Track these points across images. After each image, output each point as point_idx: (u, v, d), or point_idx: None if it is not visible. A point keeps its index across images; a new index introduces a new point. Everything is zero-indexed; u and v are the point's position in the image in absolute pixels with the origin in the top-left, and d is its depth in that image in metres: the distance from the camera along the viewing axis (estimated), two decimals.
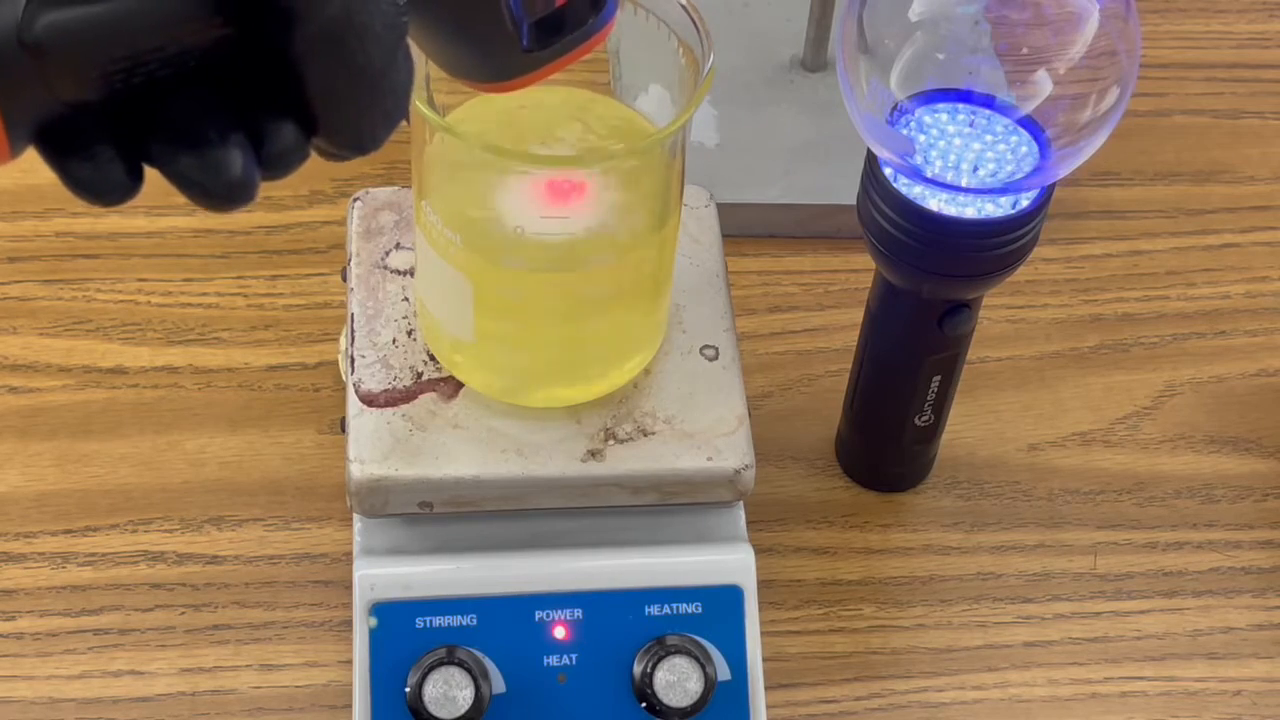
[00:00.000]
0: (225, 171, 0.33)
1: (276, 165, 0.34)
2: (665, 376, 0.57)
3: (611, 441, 0.55)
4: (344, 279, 0.61)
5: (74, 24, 0.31)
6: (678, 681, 0.55)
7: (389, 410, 0.55)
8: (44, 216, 0.76)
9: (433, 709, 0.53)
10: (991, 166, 0.56)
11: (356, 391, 0.55)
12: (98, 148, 0.33)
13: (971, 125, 0.56)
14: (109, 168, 0.33)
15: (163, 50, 0.32)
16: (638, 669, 0.55)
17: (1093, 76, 0.55)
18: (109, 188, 0.34)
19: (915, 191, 0.56)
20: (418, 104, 0.48)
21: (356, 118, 0.34)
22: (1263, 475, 0.71)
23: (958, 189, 0.55)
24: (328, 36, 0.32)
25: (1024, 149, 0.56)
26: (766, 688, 0.57)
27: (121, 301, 0.73)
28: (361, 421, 0.55)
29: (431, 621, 0.55)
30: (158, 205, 0.76)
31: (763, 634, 0.59)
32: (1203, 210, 0.82)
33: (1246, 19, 0.92)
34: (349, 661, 0.57)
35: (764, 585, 0.62)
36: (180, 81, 0.33)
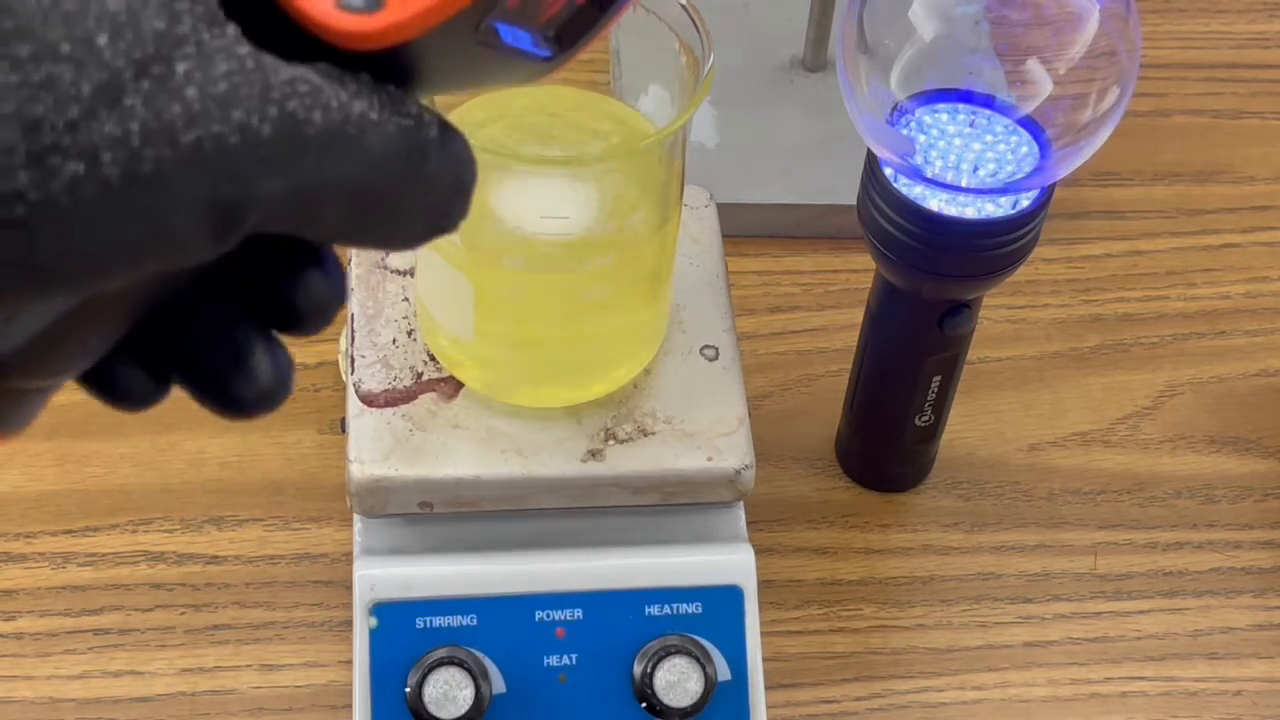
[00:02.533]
0: (256, 379, 0.31)
1: (314, 323, 0.31)
2: (665, 376, 0.57)
3: (612, 441, 0.55)
4: None
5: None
6: (678, 682, 0.55)
7: (389, 410, 0.55)
8: None
9: (433, 709, 0.53)
10: (992, 166, 0.56)
11: (357, 391, 0.55)
12: (117, 369, 0.31)
13: (972, 125, 0.56)
14: (132, 384, 0.31)
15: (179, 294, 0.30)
16: (638, 669, 0.55)
17: (1093, 76, 0.55)
18: (136, 402, 0.31)
19: (915, 192, 0.56)
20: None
21: (393, 243, 0.32)
22: (1263, 475, 0.71)
23: (958, 189, 0.55)
24: (347, 237, 0.30)
25: (1024, 149, 0.56)
26: (767, 688, 0.57)
27: None
28: (362, 421, 0.55)
29: (432, 621, 0.55)
30: None
31: (763, 634, 0.59)
32: (1203, 210, 0.82)
33: (1246, 19, 0.92)
34: (349, 661, 0.57)
35: (764, 585, 0.62)
36: (187, 309, 0.31)
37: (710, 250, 0.61)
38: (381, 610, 0.55)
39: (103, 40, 0.25)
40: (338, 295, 0.31)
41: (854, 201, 0.60)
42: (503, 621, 0.55)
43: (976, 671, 0.64)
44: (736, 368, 0.58)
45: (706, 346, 0.58)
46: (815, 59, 0.83)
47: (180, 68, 0.26)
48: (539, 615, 0.56)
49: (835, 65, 0.56)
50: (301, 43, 0.29)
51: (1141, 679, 0.65)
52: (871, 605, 0.66)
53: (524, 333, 0.54)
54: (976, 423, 0.72)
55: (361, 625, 0.55)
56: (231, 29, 0.27)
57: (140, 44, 0.26)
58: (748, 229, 0.77)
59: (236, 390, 0.31)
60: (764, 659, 0.57)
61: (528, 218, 0.51)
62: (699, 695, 0.54)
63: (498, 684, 0.55)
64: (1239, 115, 0.87)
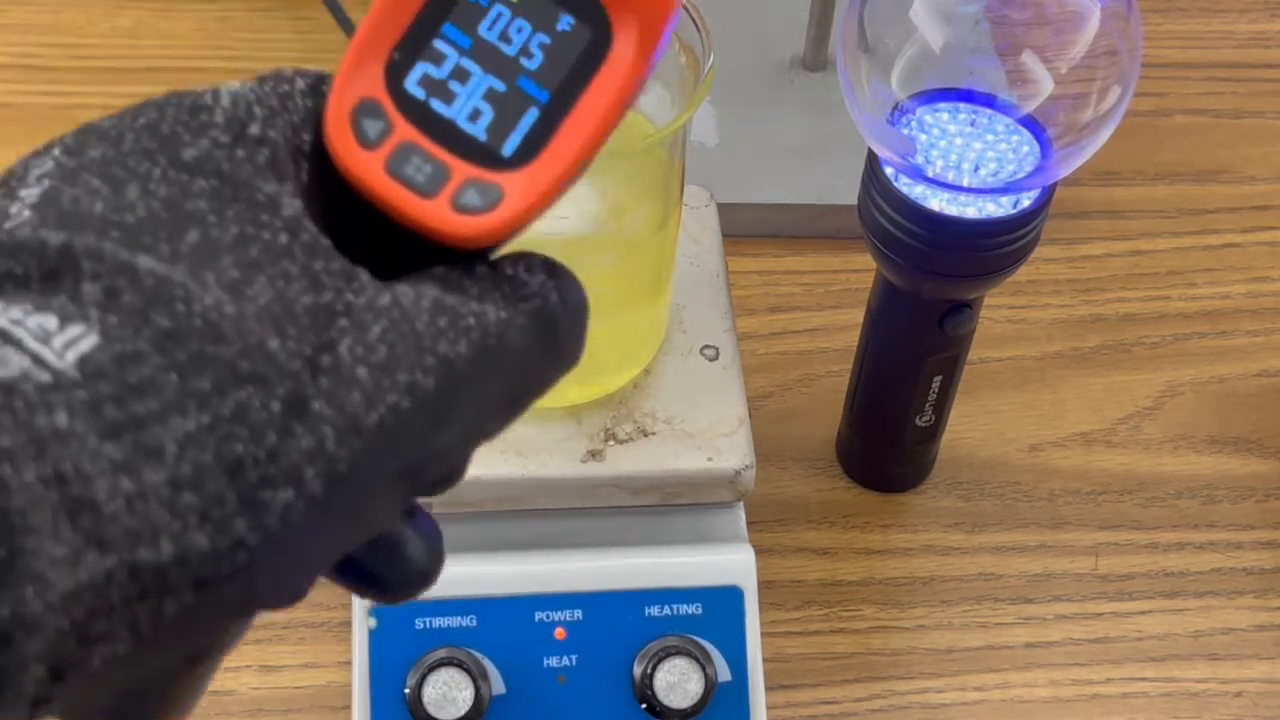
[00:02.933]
0: (411, 565, 0.30)
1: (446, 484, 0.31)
2: (665, 376, 0.57)
3: (612, 442, 0.55)
4: None
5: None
6: (678, 682, 0.54)
7: None
8: None
9: (432, 710, 0.53)
10: (992, 166, 0.56)
11: None
12: None
13: (972, 125, 0.56)
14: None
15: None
16: (638, 670, 0.55)
17: (1094, 76, 0.55)
18: (292, 600, 0.30)
19: (916, 191, 0.56)
20: None
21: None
22: (1264, 476, 0.71)
23: (959, 189, 0.55)
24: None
25: (1025, 149, 0.56)
26: (767, 688, 0.57)
27: None
28: None
29: (431, 622, 0.55)
30: None
31: (763, 635, 0.59)
32: (1204, 210, 0.82)
33: (1248, 19, 0.92)
34: (349, 662, 0.57)
35: (764, 586, 0.62)
36: None
37: (710, 250, 0.61)
38: (381, 611, 0.55)
39: (274, 344, 0.25)
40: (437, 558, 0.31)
41: (854, 201, 0.59)
42: (502, 622, 0.55)
43: (977, 672, 0.64)
44: (736, 368, 0.57)
45: (706, 346, 0.58)
46: (816, 58, 0.82)
47: (343, 347, 0.26)
48: (539, 616, 0.56)
49: (836, 64, 0.56)
50: (401, 238, 0.29)
51: (1142, 680, 0.64)
52: (872, 606, 0.66)
53: None
54: (977, 423, 0.72)
55: (361, 626, 0.55)
56: (363, 275, 0.27)
57: (303, 334, 0.25)
58: (748, 229, 0.77)
59: (394, 584, 0.30)
60: (764, 660, 0.57)
61: None
62: (699, 696, 0.54)
63: (497, 685, 0.55)
64: (1240, 115, 0.87)
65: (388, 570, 0.30)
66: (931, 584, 0.67)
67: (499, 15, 0.30)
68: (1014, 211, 0.56)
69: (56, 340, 0.23)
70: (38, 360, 0.23)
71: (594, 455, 0.55)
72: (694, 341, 0.58)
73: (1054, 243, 0.79)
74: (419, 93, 0.29)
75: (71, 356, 0.23)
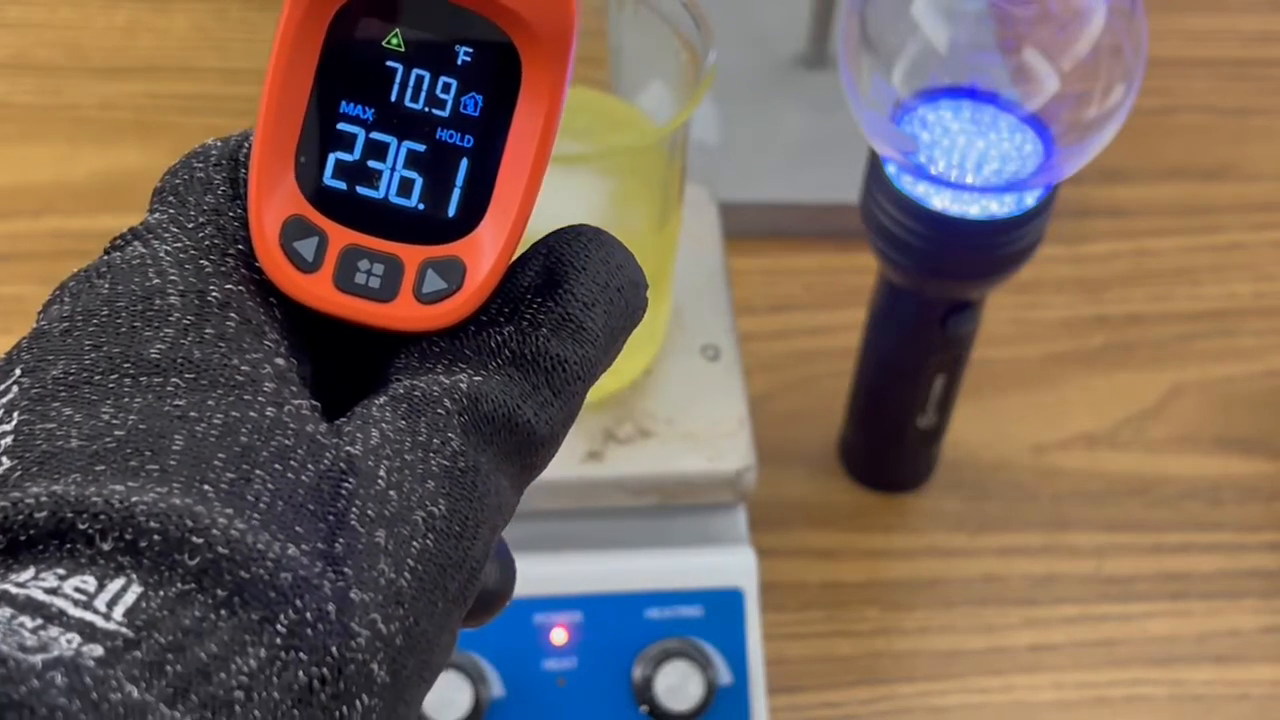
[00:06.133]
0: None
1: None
2: (665, 377, 0.57)
3: (611, 442, 0.55)
4: None
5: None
6: (679, 685, 0.54)
7: None
8: (37, 216, 0.75)
9: (431, 714, 0.53)
10: (995, 164, 0.55)
11: None
12: None
13: (975, 123, 0.56)
14: None
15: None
16: (638, 673, 0.55)
17: (1098, 73, 0.54)
18: None
19: (918, 190, 0.56)
20: None
21: None
22: (1270, 477, 0.71)
23: (961, 187, 0.55)
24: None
25: (1028, 147, 0.55)
26: (769, 691, 0.57)
27: None
28: None
29: None
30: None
31: (765, 637, 0.58)
32: (1209, 209, 0.82)
33: (1253, 15, 0.91)
34: None
35: (766, 588, 0.62)
36: None
37: (711, 249, 0.61)
38: None
39: (293, 550, 0.24)
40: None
41: (856, 200, 0.59)
42: (501, 624, 0.55)
43: (981, 675, 0.64)
44: (737, 368, 0.57)
45: (707, 346, 0.58)
46: (817, 56, 0.82)
47: (354, 517, 0.25)
48: (538, 618, 0.55)
49: (838, 62, 0.55)
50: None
51: (1147, 682, 0.64)
52: (875, 608, 0.65)
53: None
54: (980, 423, 0.72)
55: None
56: (352, 422, 0.26)
57: (314, 523, 0.24)
58: (749, 228, 0.77)
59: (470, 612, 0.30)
60: (766, 662, 0.57)
61: None
62: (700, 699, 0.54)
63: (496, 688, 0.55)
64: (1245, 113, 0.86)
65: None
66: (934, 586, 0.66)
67: (393, 72, 0.27)
68: (1017, 210, 0.55)
69: (99, 600, 0.23)
70: (87, 630, 0.22)
71: (593, 456, 0.54)
72: (694, 341, 0.58)
73: (1057, 242, 0.79)
74: (340, 185, 0.27)
75: (119, 613, 0.23)
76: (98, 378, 0.25)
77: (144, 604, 0.23)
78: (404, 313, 0.27)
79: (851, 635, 0.65)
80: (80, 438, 0.24)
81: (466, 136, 0.28)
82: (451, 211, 0.28)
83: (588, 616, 0.56)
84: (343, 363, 0.29)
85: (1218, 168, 0.83)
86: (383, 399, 0.26)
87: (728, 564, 0.56)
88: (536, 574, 0.55)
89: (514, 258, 0.28)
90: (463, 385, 0.26)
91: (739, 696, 0.56)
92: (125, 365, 0.25)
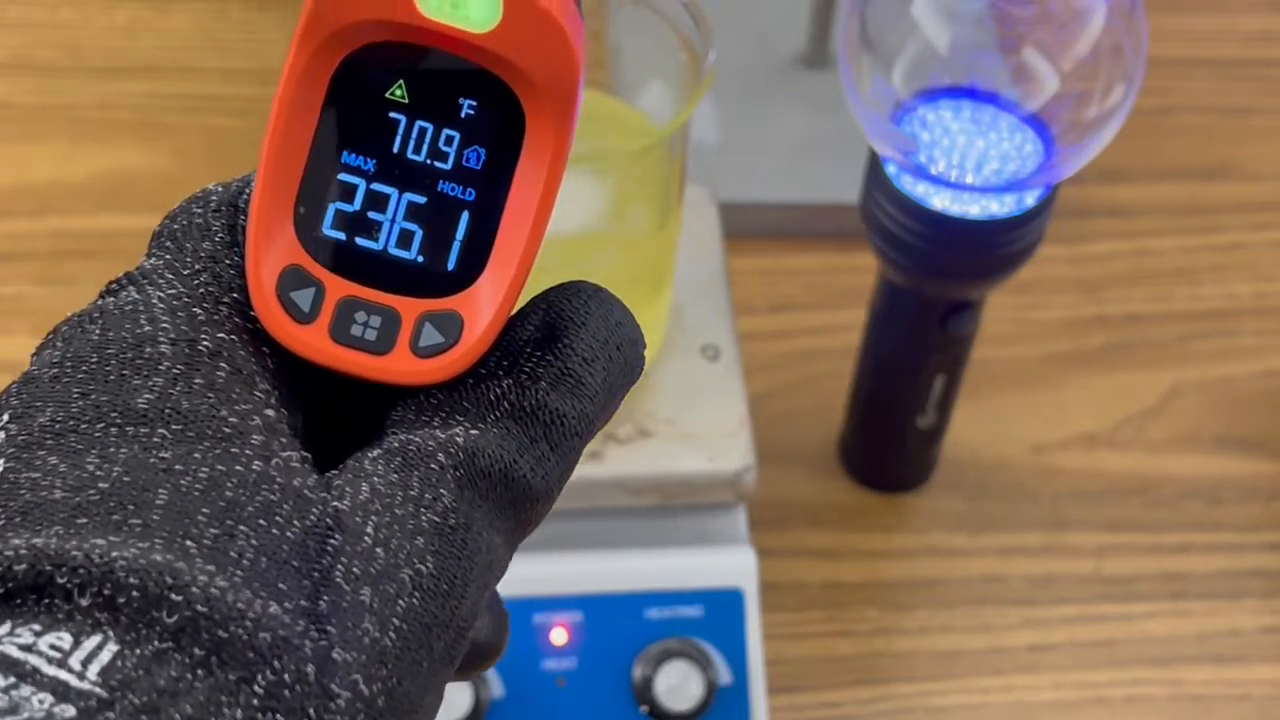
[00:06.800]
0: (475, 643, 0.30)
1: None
2: (665, 377, 0.57)
3: (611, 442, 0.55)
4: None
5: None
6: (679, 685, 0.54)
7: None
8: (37, 215, 0.75)
9: None
10: (995, 164, 0.55)
11: None
12: None
13: (975, 123, 0.56)
14: None
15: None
16: (638, 673, 0.55)
17: (1098, 73, 0.54)
18: None
19: (919, 190, 0.56)
20: None
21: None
22: (1269, 477, 0.71)
23: (961, 187, 0.55)
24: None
25: (1028, 146, 0.55)
26: (769, 691, 0.57)
27: None
28: None
29: None
30: (154, 204, 0.76)
31: (765, 637, 0.58)
32: (1209, 209, 0.82)
33: (1253, 15, 0.91)
34: None
35: (766, 588, 0.62)
36: None
37: (711, 249, 0.61)
38: None
39: (275, 608, 0.24)
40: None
41: (856, 200, 0.59)
42: None
43: (981, 675, 0.64)
44: (737, 368, 0.57)
45: (707, 346, 0.58)
46: (817, 55, 0.82)
47: (339, 574, 0.24)
48: (537, 619, 0.55)
49: (837, 62, 0.55)
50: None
51: (1147, 682, 0.64)
52: (875, 608, 0.65)
53: None
54: (980, 423, 0.72)
55: None
56: (342, 475, 0.26)
57: (298, 581, 0.24)
58: (749, 227, 0.77)
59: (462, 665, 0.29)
60: (766, 662, 0.57)
61: None
62: (700, 699, 0.54)
63: (496, 688, 0.55)
64: (1246, 112, 0.86)
65: None
66: (934, 586, 0.66)
67: (396, 123, 0.27)
68: (1017, 210, 0.55)
69: (74, 658, 0.22)
70: (60, 689, 0.22)
71: (593, 456, 0.54)
72: (694, 341, 0.58)
73: (1057, 242, 0.79)
74: (339, 236, 0.27)
75: (94, 672, 0.22)
76: (84, 426, 0.25)
77: (119, 662, 0.22)
78: (400, 366, 0.27)
79: (851, 635, 0.65)
80: (64, 489, 0.24)
81: (468, 190, 0.27)
82: (451, 265, 0.27)
83: (588, 616, 0.56)
84: (339, 412, 0.29)
85: (1218, 168, 0.83)
86: (376, 452, 0.26)
87: (728, 564, 0.56)
88: (536, 574, 0.55)
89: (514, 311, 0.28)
90: (459, 439, 0.26)
91: (739, 696, 0.56)
92: (113, 414, 0.25)
